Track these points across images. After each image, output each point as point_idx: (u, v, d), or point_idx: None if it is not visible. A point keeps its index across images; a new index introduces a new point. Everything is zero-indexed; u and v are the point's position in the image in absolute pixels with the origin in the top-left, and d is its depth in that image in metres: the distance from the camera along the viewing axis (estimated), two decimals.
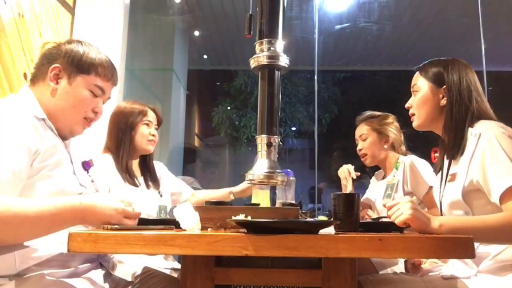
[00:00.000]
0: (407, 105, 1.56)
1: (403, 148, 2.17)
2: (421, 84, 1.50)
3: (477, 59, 4.59)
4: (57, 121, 1.26)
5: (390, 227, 1.26)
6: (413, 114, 1.53)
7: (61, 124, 1.27)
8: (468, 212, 1.32)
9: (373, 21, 5.32)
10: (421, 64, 1.56)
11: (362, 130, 2.18)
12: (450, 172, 1.41)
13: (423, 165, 2.03)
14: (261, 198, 1.36)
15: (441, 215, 1.45)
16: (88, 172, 1.37)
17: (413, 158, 2.05)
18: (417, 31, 5.50)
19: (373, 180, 2.31)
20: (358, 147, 2.20)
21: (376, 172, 2.32)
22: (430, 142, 2.22)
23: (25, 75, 2.12)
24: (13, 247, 1.09)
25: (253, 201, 1.43)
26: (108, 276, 1.31)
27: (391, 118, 2.18)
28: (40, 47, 1.32)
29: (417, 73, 1.55)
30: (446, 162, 1.46)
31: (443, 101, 1.45)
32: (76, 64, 1.25)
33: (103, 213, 1.09)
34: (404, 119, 2.21)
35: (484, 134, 1.29)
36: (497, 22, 4.87)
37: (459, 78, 1.44)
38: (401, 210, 1.14)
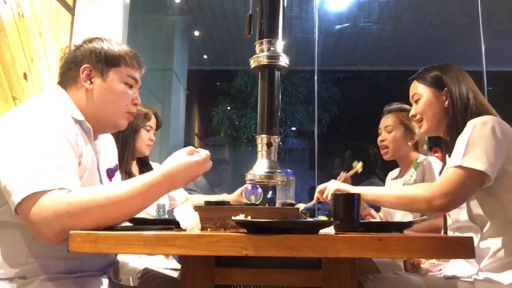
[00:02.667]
0: (411, 113, 1.59)
1: (425, 148, 2.10)
2: (421, 91, 1.54)
3: (477, 59, 4.58)
4: (99, 119, 1.25)
5: (390, 227, 1.26)
6: (421, 120, 1.55)
7: (104, 121, 1.27)
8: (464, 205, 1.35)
9: (373, 21, 5.32)
10: (416, 74, 1.60)
11: (388, 121, 2.08)
12: None
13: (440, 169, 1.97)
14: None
15: (444, 215, 1.49)
16: (111, 181, 1.34)
17: (433, 161, 1.98)
18: (417, 31, 5.51)
19: (388, 179, 2.23)
20: (381, 138, 2.09)
21: (390, 172, 2.25)
22: (430, 142, 2.22)
23: (25, 75, 2.12)
24: (27, 247, 1.08)
25: None
26: (112, 283, 1.30)
27: None
28: (60, 53, 1.30)
29: (414, 82, 1.59)
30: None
31: (446, 103, 1.48)
32: (104, 60, 1.24)
33: (193, 168, 1.11)
34: None
35: (470, 123, 1.35)
36: (497, 22, 4.87)
37: (457, 79, 1.49)
38: (328, 189, 1.56)
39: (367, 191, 1.45)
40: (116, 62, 1.25)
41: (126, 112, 1.29)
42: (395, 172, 2.21)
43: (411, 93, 1.60)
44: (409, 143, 2.05)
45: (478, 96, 1.48)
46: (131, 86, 1.29)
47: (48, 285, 1.08)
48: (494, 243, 1.29)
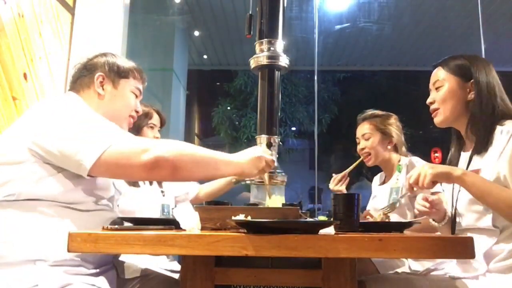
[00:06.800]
0: (429, 100, 1.50)
1: (404, 149, 2.11)
2: (445, 78, 1.45)
3: None
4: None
5: (390, 227, 1.26)
6: (436, 109, 1.47)
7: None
8: (489, 208, 1.30)
9: (373, 21, 5.33)
10: (441, 60, 1.51)
11: (364, 129, 2.11)
12: (471, 168, 1.38)
13: None
14: (275, 204, 1.35)
15: (455, 211, 1.43)
16: None
17: (414, 160, 1.99)
18: (417, 31, 5.51)
19: (374, 185, 2.24)
20: (360, 146, 2.12)
21: (375, 177, 2.26)
22: (430, 142, 2.22)
23: (25, 75, 2.12)
24: (54, 231, 1.09)
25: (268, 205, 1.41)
26: (118, 278, 1.32)
27: (393, 118, 2.12)
28: (74, 68, 1.44)
29: (438, 68, 1.50)
30: (463, 157, 1.45)
31: (470, 96, 1.41)
32: (116, 71, 1.39)
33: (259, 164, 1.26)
34: (406, 119, 2.19)
35: None
36: (497, 22, 4.87)
37: (486, 73, 1.42)
38: (422, 176, 1.25)
39: (476, 181, 1.24)
40: (126, 74, 1.41)
41: (129, 116, 1.43)
42: (380, 177, 2.21)
43: (432, 80, 1.50)
44: (389, 147, 2.08)
45: (504, 96, 1.41)
46: (136, 96, 1.44)
47: (67, 276, 1.09)
48: (510, 246, 1.26)
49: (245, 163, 1.24)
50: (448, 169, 1.26)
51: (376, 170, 2.25)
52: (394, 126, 2.10)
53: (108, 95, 1.37)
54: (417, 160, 2.00)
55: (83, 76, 1.37)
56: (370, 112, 2.15)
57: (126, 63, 1.43)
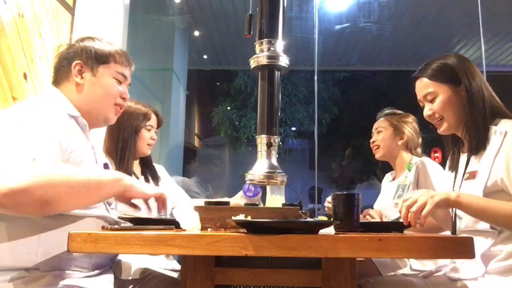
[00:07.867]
0: (428, 113, 1.46)
1: (419, 151, 2.16)
2: (436, 89, 1.43)
3: (477, 59, 4.59)
4: (90, 113, 1.31)
5: (390, 227, 1.26)
6: (440, 119, 1.45)
7: (95, 115, 1.32)
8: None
9: (373, 21, 5.32)
10: (419, 70, 1.48)
11: (379, 123, 2.21)
12: (468, 170, 1.39)
13: (434, 169, 1.97)
14: (275, 204, 1.34)
15: (455, 214, 1.43)
16: None
17: (425, 160, 2.01)
18: (417, 31, 5.50)
19: (384, 182, 2.28)
20: (372, 139, 2.22)
21: (386, 174, 2.29)
22: (430, 142, 2.23)
23: (25, 75, 2.12)
24: (37, 240, 1.08)
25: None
26: (116, 279, 1.31)
27: (411, 119, 2.18)
28: (54, 51, 1.37)
29: (422, 80, 1.47)
30: (462, 159, 1.45)
31: (465, 100, 1.40)
32: (94, 57, 1.30)
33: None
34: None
35: (510, 132, 1.28)
36: (497, 22, 4.87)
37: (471, 72, 1.41)
38: (423, 205, 1.19)
39: (471, 202, 1.23)
40: (106, 59, 1.32)
41: (114, 104, 1.35)
42: (391, 174, 2.25)
43: (422, 93, 1.46)
44: (399, 143, 2.14)
45: (490, 91, 1.41)
46: (120, 82, 1.36)
47: (58, 281, 1.08)
48: (508, 247, 1.26)
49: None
50: (445, 195, 1.23)
51: (388, 169, 2.28)
52: (409, 125, 2.16)
53: (88, 84, 1.29)
54: (428, 162, 2.02)
55: (62, 66, 1.31)
56: (389, 110, 2.25)
57: (106, 46, 1.33)
